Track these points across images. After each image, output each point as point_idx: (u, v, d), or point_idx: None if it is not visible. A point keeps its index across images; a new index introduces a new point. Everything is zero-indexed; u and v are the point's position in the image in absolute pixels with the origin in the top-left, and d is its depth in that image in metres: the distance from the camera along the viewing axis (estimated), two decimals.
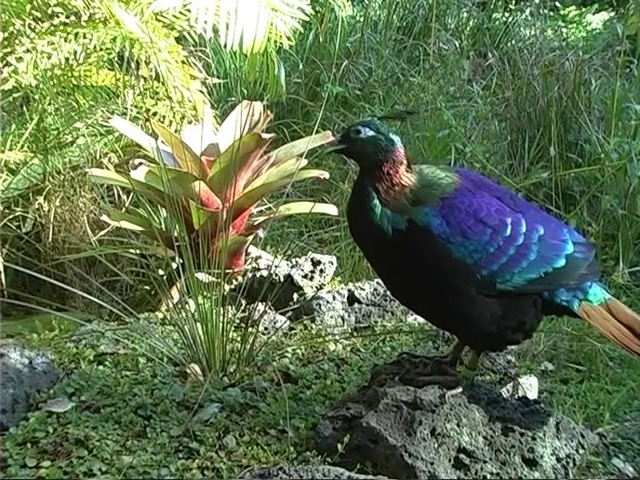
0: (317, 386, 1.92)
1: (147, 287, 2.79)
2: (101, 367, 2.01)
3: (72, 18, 2.93)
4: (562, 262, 1.66)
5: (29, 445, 1.60)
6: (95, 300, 2.14)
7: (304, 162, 2.61)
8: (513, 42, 5.82)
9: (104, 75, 3.21)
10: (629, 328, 1.68)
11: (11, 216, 2.97)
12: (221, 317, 1.96)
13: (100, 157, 3.04)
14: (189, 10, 2.79)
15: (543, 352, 2.51)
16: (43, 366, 1.87)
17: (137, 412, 1.74)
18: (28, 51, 2.86)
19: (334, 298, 2.42)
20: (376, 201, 1.62)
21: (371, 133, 1.65)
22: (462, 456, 1.58)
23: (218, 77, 4.15)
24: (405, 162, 1.65)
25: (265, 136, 2.56)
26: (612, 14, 7.01)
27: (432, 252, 1.59)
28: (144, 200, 2.73)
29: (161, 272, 2.59)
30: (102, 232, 2.94)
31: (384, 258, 1.67)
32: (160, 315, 2.44)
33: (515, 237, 1.62)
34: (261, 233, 2.87)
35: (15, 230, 2.96)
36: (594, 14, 7.13)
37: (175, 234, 2.21)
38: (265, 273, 2.52)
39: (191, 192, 2.54)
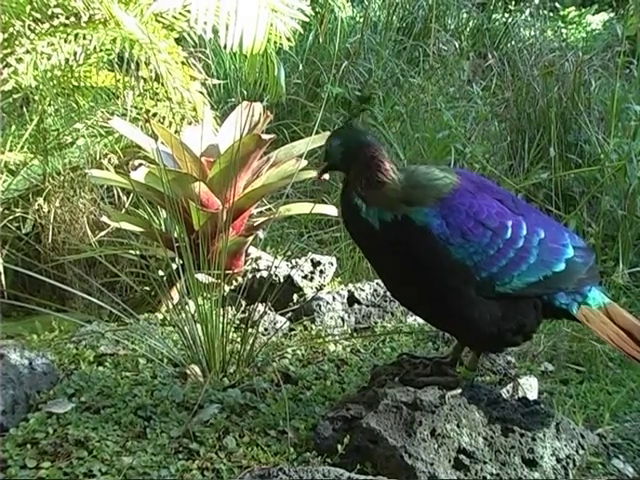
0: (317, 387, 1.92)
1: (147, 288, 2.79)
2: (101, 368, 2.01)
3: (72, 19, 2.93)
4: (562, 266, 1.66)
5: (29, 446, 1.60)
6: (95, 301, 2.14)
7: (304, 163, 2.61)
8: (513, 43, 5.82)
9: (104, 76, 3.21)
10: (628, 333, 1.68)
11: (11, 217, 2.97)
12: (221, 318, 1.96)
13: (100, 158, 3.04)
14: (189, 11, 2.80)
15: (543, 353, 2.51)
16: (43, 367, 1.87)
17: (137, 413, 1.74)
18: (28, 52, 2.86)
19: (334, 299, 2.42)
20: (358, 200, 1.63)
21: (339, 141, 1.67)
22: (462, 457, 1.58)
23: (218, 78, 4.15)
24: (383, 161, 1.65)
25: (265, 137, 2.56)
26: (612, 15, 7.01)
27: (431, 253, 1.59)
28: (144, 201, 2.73)
29: (161, 273, 2.59)
30: (102, 233, 2.94)
31: (380, 257, 1.68)
32: (160, 316, 2.44)
33: (515, 240, 1.62)
34: (261, 234, 2.87)
35: (15, 231, 2.95)
36: (594, 15, 7.13)
37: (175, 235, 2.21)
38: (265, 274, 2.52)
39: (191, 193, 2.54)
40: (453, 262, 1.58)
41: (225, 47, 2.80)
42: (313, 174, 2.81)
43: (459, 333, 1.77)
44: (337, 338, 2.26)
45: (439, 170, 1.68)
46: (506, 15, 6.36)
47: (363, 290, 2.47)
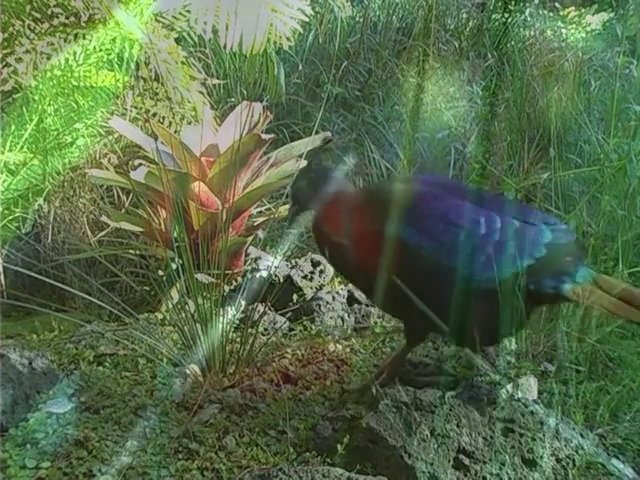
0: (317, 387, 1.92)
1: (147, 288, 2.79)
2: (101, 368, 2.01)
3: (72, 19, 2.93)
4: (543, 251, 1.65)
5: (29, 446, 1.60)
6: (95, 301, 2.14)
7: (303, 163, 2.61)
8: (513, 43, 5.82)
9: (104, 76, 3.21)
10: (623, 300, 1.66)
11: (11, 217, 2.97)
12: (221, 318, 1.96)
13: (100, 158, 3.04)
14: (189, 11, 2.80)
15: (543, 353, 2.50)
16: (43, 367, 1.87)
17: (137, 413, 1.74)
18: (28, 52, 2.86)
19: (334, 299, 2.42)
20: (327, 228, 1.68)
21: (304, 183, 1.72)
22: (462, 457, 1.58)
23: (218, 78, 4.15)
24: (345, 189, 1.71)
25: (265, 137, 2.56)
26: (612, 15, 7.01)
27: (408, 262, 1.60)
28: (144, 201, 2.73)
29: (161, 273, 2.58)
30: (102, 233, 2.94)
31: (365, 275, 1.69)
32: (160, 316, 2.44)
33: (490, 234, 1.62)
34: (261, 234, 2.87)
35: (15, 231, 2.95)
36: (594, 15, 7.12)
37: (175, 235, 2.21)
38: (265, 274, 2.52)
39: (191, 193, 2.54)
40: (432, 267, 1.59)
41: (225, 47, 2.80)
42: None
43: (449, 333, 1.77)
44: (337, 338, 2.26)
45: (399, 182, 1.71)
46: (506, 15, 6.34)
47: None
